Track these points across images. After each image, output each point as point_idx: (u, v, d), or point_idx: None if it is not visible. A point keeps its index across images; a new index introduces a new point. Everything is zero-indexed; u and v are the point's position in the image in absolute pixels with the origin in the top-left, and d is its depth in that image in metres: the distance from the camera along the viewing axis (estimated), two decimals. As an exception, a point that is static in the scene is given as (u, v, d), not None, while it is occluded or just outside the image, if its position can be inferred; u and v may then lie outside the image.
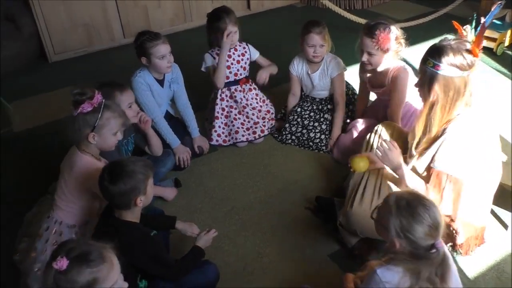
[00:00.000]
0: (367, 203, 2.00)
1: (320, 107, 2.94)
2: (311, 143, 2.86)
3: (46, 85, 3.77)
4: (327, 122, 2.88)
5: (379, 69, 2.55)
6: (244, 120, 2.94)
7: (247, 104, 2.95)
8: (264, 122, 2.97)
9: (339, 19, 4.35)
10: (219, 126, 2.93)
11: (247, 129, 2.93)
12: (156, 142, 2.52)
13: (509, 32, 3.74)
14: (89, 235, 1.92)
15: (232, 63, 2.89)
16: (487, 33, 3.76)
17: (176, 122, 2.84)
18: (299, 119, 2.91)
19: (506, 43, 3.78)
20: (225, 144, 2.94)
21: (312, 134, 2.86)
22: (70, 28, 4.07)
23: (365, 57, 2.48)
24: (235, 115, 2.93)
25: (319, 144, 2.85)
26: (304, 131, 2.88)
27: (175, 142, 2.69)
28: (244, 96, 2.95)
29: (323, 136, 2.85)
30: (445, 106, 1.82)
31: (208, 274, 1.94)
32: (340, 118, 2.85)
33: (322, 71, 2.84)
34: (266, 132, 2.96)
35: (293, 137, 2.91)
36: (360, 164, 2.03)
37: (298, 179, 2.67)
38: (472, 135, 1.82)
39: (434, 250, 1.38)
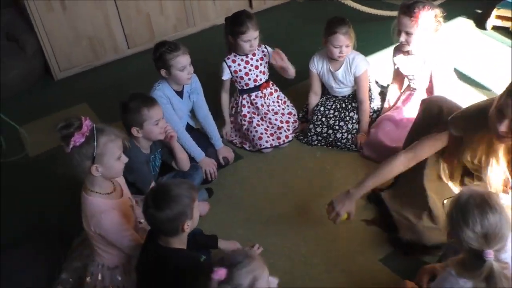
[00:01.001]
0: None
1: (344, 105, 2.84)
2: (338, 143, 2.77)
3: (54, 105, 3.64)
4: (353, 121, 2.78)
5: (417, 50, 2.50)
6: (268, 126, 2.85)
7: (268, 110, 2.87)
8: (288, 126, 2.88)
9: (345, 11, 4.24)
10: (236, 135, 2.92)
11: (271, 134, 2.83)
12: (183, 156, 2.43)
13: (524, 10, 3.65)
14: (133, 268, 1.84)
15: (250, 69, 2.80)
16: (502, 12, 3.69)
17: (197, 134, 2.74)
18: (323, 119, 2.81)
19: (522, 21, 3.69)
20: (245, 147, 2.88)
21: (339, 135, 2.76)
22: (74, 42, 3.95)
23: (403, 37, 2.46)
24: (258, 121, 2.84)
25: (347, 143, 2.76)
26: (330, 131, 2.78)
27: (200, 155, 2.60)
28: (265, 102, 2.86)
29: (350, 136, 2.75)
30: None
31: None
32: (366, 115, 2.77)
33: (345, 69, 2.74)
34: (290, 138, 2.85)
35: (319, 138, 2.81)
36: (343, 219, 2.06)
37: (332, 180, 2.58)
38: None
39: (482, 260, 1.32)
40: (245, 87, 2.84)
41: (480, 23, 3.86)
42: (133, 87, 3.64)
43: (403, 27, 2.43)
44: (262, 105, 2.85)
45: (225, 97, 2.92)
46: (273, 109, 2.87)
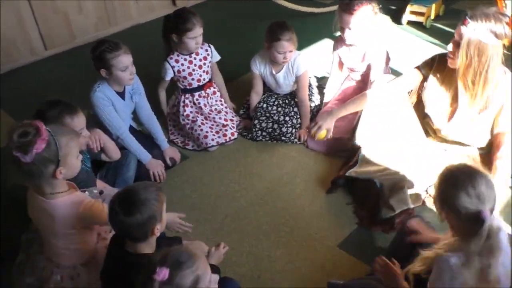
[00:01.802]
0: None
1: (287, 101, 2.89)
2: (283, 138, 2.81)
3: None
4: (297, 116, 2.84)
5: (360, 44, 2.64)
6: (212, 125, 2.82)
7: (211, 110, 2.85)
8: (232, 123, 2.87)
9: (269, 8, 4.33)
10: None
11: (216, 132, 2.81)
12: (111, 146, 2.30)
13: (433, 6, 3.98)
14: (95, 274, 1.74)
15: (194, 69, 2.75)
16: (416, 8, 4.00)
17: (140, 135, 2.63)
18: (267, 115, 2.84)
19: (432, 16, 4.02)
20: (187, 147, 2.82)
21: (284, 129, 2.80)
22: (-17, 45, 3.60)
23: (347, 33, 2.57)
24: (202, 120, 2.81)
25: (291, 137, 2.81)
26: (276, 125, 2.82)
27: (146, 158, 2.50)
28: (208, 102, 2.84)
29: (294, 130, 2.81)
30: (478, 72, 1.97)
31: (231, 291, 1.85)
32: (307, 112, 2.84)
33: (287, 70, 2.78)
34: (236, 135, 2.84)
35: (264, 133, 2.84)
36: (322, 136, 2.41)
37: (282, 174, 2.62)
38: None
39: (480, 223, 1.39)
40: (188, 87, 2.79)
41: (396, 19, 4.15)
42: (55, 90, 3.47)
43: (345, 24, 2.54)
44: (205, 105, 2.83)
45: (163, 95, 2.87)
46: (216, 108, 2.86)
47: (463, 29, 1.98)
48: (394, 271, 1.63)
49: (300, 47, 3.56)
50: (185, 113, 2.80)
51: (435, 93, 2.25)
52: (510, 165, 2.09)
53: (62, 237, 1.73)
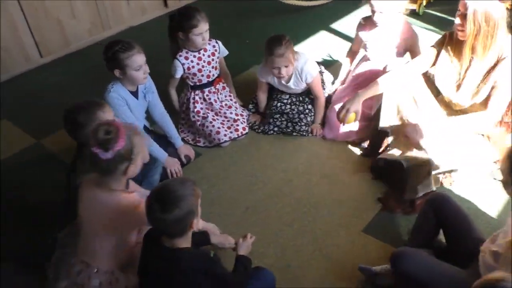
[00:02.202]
0: None
1: (301, 98, 2.86)
2: (295, 134, 2.80)
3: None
4: (312, 114, 2.82)
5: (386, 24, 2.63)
6: (224, 120, 2.82)
7: (222, 105, 2.84)
8: (243, 118, 2.87)
9: (261, 5, 4.35)
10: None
11: (228, 128, 2.80)
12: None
13: (426, -8, 4.04)
14: (134, 279, 1.73)
15: (203, 66, 2.75)
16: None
17: (154, 135, 2.61)
18: (283, 114, 2.81)
19: (424, 3, 4.08)
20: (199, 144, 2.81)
21: (297, 127, 2.79)
22: (-23, 55, 3.53)
23: (377, 16, 2.56)
24: (213, 116, 2.80)
25: (303, 133, 2.79)
26: (289, 124, 2.80)
27: (163, 156, 2.49)
28: (218, 97, 2.84)
29: (308, 128, 2.81)
30: (489, 36, 2.03)
31: (266, 280, 1.86)
32: (321, 109, 2.83)
33: (296, 79, 2.75)
34: (247, 130, 2.84)
35: (276, 129, 2.83)
36: (352, 119, 2.34)
37: (297, 164, 2.63)
38: None
39: None
40: (198, 83, 2.78)
41: (389, 7, 4.20)
42: (53, 97, 3.42)
43: (375, 7, 2.53)
44: (216, 100, 2.82)
45: (174, 94, 2.86)
46: (226, 104, 2.85)
47: (466, 1, 2.02)
48: None
49: (297, 41, 3.60)
50: (195, 110, 2.79)
51: (446, 65, 2.29)
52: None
53: (106, 237, 1.73)
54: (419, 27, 3.88)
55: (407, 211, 2.25)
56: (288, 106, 2.83)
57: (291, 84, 2.77)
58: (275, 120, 2.82)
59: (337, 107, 2.67)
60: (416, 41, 2.71)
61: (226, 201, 2.44)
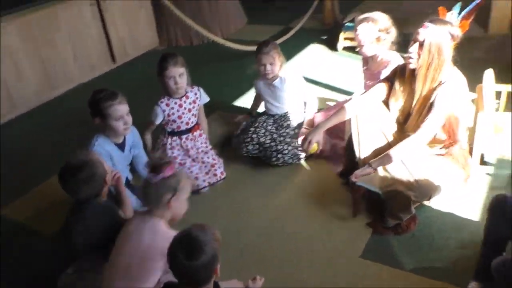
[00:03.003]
0: None
1: (276, 125, 3.00)
2: (279, 155, 2.84)
3: None
4: (283, 144, 2.89)
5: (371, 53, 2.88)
6: (201, 166, 2.81)
7: (198, 152, 2.84)
8: (220, 162, 2.87)
9: (209, 52, 4.48)
10: None
11: (206, 173, 2.79)
12: (129, 203, 2.25)
13: (363, 31, 4.36)
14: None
15: (183, 113, 2.77)
16: (348, 34, 4.35)
17: (133, 189, 2.54)
18: (263, 129, 2.94)
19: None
20: None
21: (280, 147, 2.86)
22: None
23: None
24: (191, 162, 2.78)
25: (276, 161, 2.85)
26: (273, 143, 2.88)
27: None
28: (194, 145, 2.84)
29: (279, 155, 2.86)
30: (438, 69, 2.21)
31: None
32: (310, 111, 3.05)
33: (280, 81, 2.96)
34: (225, 174, 2.83)
35: (257, 145, 2.89)
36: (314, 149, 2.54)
37: (283, 199, 2.66)
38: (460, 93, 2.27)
39: None
40: (176, 130, 2.78)
41: (332, 46, 4.48)
42: (6, 163, 3.23)
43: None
44: (192, 147, 2.82)
45: (149, 139, 2.87)
46: (203, 150, 2.86)
47: (424, 31, 2.22)
48: None
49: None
50: (173, 155, 2.77)
51: (397, 96, 2.45)
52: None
53: (147, 269, 1.73)
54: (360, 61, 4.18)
55: (397, 232, 2.33)
56: (262, 131, 2.93)
57: (277, 83, 2.93)
58: (258, 136, 2.91)
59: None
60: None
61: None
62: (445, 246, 2.24)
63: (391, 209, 2.32)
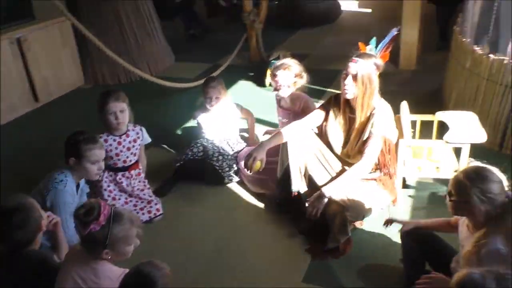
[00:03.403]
0: None
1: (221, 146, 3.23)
2: (220, 157, 3.08)
3: None
4: (221, 162, 3.10)
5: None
6: (137, 202, 2.78)
7: (134, 190, 2.82)
8: (157, 199, 2.86)
9: (142, 90, 4.47)
10: None
11: (141, 209, 2.76)
12: (66, 248, 2.15)
13: (288, 67, 4.61)
14: None
15: (121, 151, 2.74)
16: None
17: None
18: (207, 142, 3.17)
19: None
20: None
21: (219, 162, 3.08)
22: None
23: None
24: (126, 198, 2.75)
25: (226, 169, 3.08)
26: (216, 151, 3.11)
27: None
28: (130, 183, 2.81)
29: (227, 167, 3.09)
30: (371, 97, 2.43)
31: None
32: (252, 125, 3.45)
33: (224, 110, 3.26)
34: (161, 210, 2.81)
35: (201, 147, 3.11)
36: (258, 166, 2.55)
37: (223, 232, 2.69)
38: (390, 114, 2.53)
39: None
40: (112, 166, 2.74)
41: (259, 83, 4.68)
42: None
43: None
44: (128, 185, 2.79)
45: None
46: (139, 188, 2.83)
47: (355, 65, 2.43)
48: (440, 277, 1.80)
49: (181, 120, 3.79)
50: (108, 188, 2.74)
51: (334, 124, 2.64)
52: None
53: None
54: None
55: (335, 256, 2.45)
56: (208, 146, 3.12)
57: (221, 112, 3.23)
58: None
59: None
60: (309, 104, 3.10)
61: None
62: (378, 265, 2.39)
63: (332, 230, 2.45)
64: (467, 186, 1.74)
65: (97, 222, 1.66)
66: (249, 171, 2.57)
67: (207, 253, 2.54)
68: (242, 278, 2.37)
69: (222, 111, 3.25)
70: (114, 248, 1.71)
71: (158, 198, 2.88)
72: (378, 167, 2.61)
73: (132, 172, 2.80)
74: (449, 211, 1.86)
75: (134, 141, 2.78)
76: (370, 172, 2.57)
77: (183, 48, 5.97)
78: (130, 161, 2.79)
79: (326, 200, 2.46)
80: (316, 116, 2.68)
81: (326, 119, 2.69)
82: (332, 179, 2.53)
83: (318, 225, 2.50)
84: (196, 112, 3.35)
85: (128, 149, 2.76)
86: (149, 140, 2.89)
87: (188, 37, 6.33)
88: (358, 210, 2.50)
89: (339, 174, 2.56)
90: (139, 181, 2.85)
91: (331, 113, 2.65)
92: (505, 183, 1.76)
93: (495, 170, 1.78)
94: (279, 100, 3.22)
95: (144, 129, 2.86)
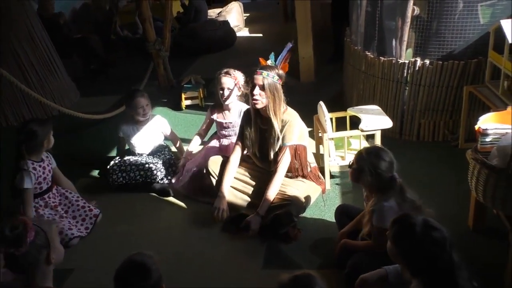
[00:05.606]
0: None
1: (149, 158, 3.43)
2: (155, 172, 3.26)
3: None
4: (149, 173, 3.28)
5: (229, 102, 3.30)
6: (74, 216, 2.87)
7: (70, 204, 2.91)
8: (92, 212, 2.93)
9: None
10: None
11: (81, 223, 2.88)
12: (61, 249, 2.05)
13: (200, 89, 4.83)
14: None
15: (43, 172, 2.83)
16: (189, 94, 4.76)
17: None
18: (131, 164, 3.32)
19: (201, 96, 4.84)
20: None
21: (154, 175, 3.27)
22: None
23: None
24: (62, 214, 2.83)
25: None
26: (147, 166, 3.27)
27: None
28: (60, 200, 2.90)
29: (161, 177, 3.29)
30: (280, 105, 2.72)
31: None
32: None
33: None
34: (98, 210, 2.98)
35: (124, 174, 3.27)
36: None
37: (175, 243, 2.79)
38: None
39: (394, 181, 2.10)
40: (39, 191, 2.81)
41: (175, 106, 4.81)
42: None
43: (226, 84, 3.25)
44: (60, 202, 2.90)
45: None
46: (76, 201, 2.95)
47: (260, 77, 2.68)
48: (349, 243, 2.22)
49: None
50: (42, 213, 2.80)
51: (251, 137, 2.90)
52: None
53: None
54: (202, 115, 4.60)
55: (287, 241, 2.68)
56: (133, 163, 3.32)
57: (147, 124, 3.44)
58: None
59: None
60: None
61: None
62: (323, 240, 2.68)
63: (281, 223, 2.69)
64: (364, 159, 2.12)
65: (30, 228, 1.63)
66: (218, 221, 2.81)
67: (167, 255, 2.62)
68: (205, 274, 2.51)
69: (151, 122, 3.43)
70: (54, 246, 1.72)
71: (93, 203, 3.03)
72: (294, 174, 2.88)
73: (55, 190, 2.90)
74: (349, 179, 2.29)
75: (48, 165, 2.89)
76: (292, 177, 2.87)
77: (86, 83, 5.80)
78: (50, 181, 2.88)
79: (260, 218, 2.71)
80: (238, 150, 2.98)
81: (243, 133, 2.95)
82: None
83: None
84: (122, 125, 3.44)
85: (50, 171, 2.88)
86: (54, 163, 2.98)
87: (90, 72, 6.23)
88: (298, 204, 2.76)
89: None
90: (73, 196, 2.96)
91: (247, 128, 2.90)
92: (395, 166, 2.14)
93: (389, 153, 2.15)
94: (213, 112, 3.40)
95: (50, 154, 2.96)
